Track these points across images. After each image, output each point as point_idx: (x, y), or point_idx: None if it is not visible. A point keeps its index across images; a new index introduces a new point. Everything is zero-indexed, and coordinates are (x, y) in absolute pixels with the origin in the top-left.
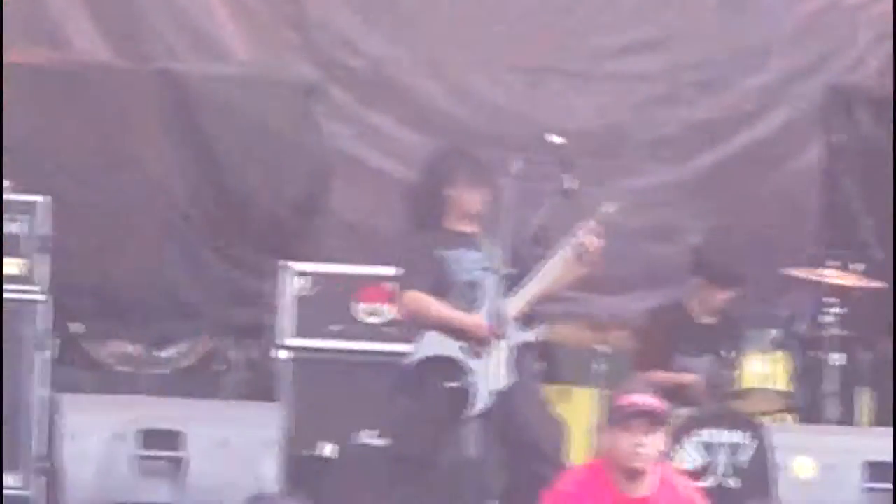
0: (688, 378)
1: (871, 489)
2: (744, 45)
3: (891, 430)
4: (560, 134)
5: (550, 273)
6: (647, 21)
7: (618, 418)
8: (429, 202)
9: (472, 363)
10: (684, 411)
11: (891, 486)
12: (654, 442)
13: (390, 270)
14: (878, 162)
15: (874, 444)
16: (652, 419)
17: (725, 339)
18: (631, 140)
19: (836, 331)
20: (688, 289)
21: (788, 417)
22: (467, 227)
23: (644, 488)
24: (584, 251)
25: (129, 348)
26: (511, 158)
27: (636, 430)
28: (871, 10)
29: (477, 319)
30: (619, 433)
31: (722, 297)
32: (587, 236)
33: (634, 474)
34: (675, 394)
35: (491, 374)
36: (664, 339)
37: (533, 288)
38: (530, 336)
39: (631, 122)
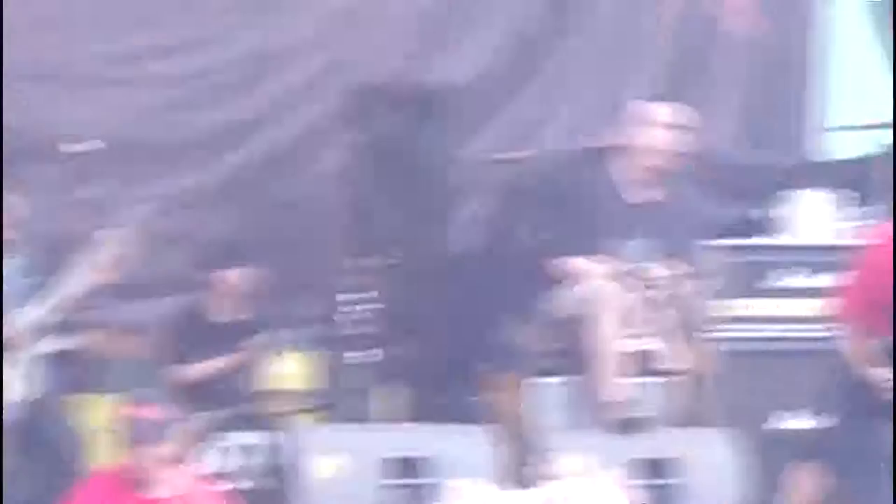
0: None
1: (391, 485)
2: (264, 47)
3: (411, 426)
4: (79, 142)
5: (72, 281)
6: (162, 25)
7: (120, 427)
8: None
9: None
10: (205, 414)
11: (408, 481)
12: (157, 451)
13: None
14: (396, 160)
15: (393, 440)
16: (152, 429)
17: (244, 339)
18: (150, 146)
19: (355, 329)
20: (204, 289)
21: (308, 417)
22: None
23: (162, 491)
24: (111, 256)
25: None
26: (31, 168)
27: (137, 440)
28: (386, 9)
29: None
30: (122, 443)
31: (227, 285)
32: (117, 242)
33: (147, 480)
34: (198, 394)
35: (11, 386)
36: (178, 341)
37: (55, 296)
38: (52, 346)
39: (150, 128)
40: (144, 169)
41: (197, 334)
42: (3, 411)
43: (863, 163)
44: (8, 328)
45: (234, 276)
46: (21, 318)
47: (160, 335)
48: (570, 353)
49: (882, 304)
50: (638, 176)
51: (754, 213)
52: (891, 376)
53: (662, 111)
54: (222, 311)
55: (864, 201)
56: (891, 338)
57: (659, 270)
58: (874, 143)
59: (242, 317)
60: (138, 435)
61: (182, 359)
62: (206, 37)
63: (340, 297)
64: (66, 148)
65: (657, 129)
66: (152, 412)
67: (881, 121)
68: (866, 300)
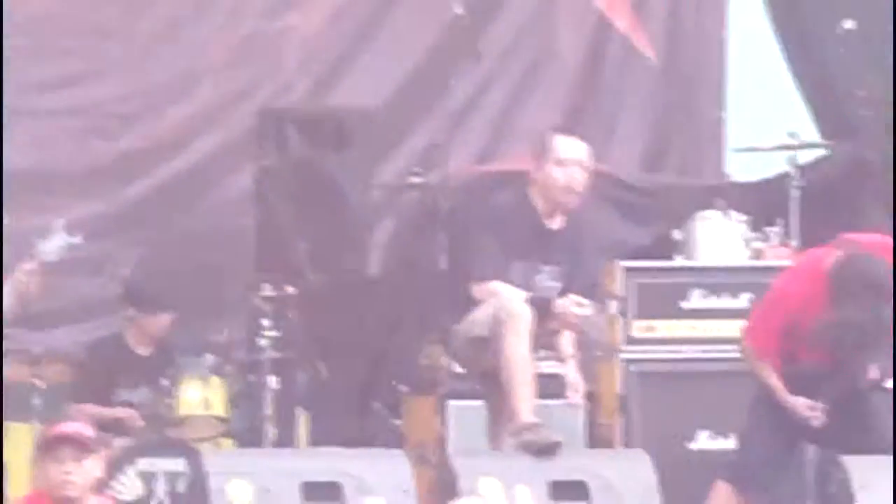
0: (121, 413)
1: None
2: (170, 74)
3: (331, 450)
4: None
5: None
6: (70, 54)
7: (46, 448)
8: None
9: None
10: (120, 441)
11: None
12: (84, 469)
13: None
14: (309, 184)
15: (311, 465)
16: (78, 446)
17: (162, 368)
18: (61, 174)
19: (271, 354)
20: (122, 320)
21: (226, 442)
22: None
23: None
24: (26, 289)
25: None
26: None
27: (64, 458)
28: (295, 34)
29: None
30: (48, 463)
31: (154, 326)
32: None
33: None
34: (112, 426)
35: None
36: (101, 372)
37: None
38: None
39: (60, 156)
40: (52, 199)
41: (120, 364)
42: None
43: (769, 184)
44: None
45: (159, 320)
46: None
47: (85, 363)
48: (485, 375)
49: (794, 331)
50: (544, 205)
51: (675, 234)
52: (811, 404)
53: (564, 146)
54: (143, 344)
55: (770, 222)
56: (809, 364)
57: (567, 300)
58: (781, 163)
59: (163, 346)
60: (65, 455)
61: (104, 388)
62: (109, 66)
63: (259, 322)
64: None
65: (559, 165)
66: (78, 430)
67: (784, 142)
68: (777, 328)
